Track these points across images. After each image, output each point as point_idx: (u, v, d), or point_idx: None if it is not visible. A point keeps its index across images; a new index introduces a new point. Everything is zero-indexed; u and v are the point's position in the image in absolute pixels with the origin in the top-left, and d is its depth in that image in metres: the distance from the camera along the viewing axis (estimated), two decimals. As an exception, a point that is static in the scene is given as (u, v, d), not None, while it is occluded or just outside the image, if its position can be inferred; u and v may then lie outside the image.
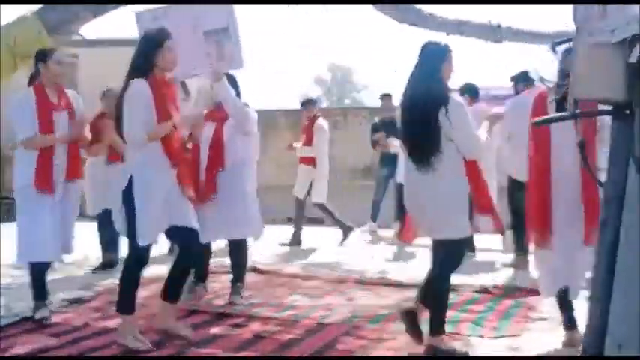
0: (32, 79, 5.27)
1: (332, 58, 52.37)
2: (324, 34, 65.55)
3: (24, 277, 6.71)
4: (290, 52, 56.23)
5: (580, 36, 2.17)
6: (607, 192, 2.26)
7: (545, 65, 4.53)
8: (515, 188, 6.65)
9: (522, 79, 7.35)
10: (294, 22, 59.74)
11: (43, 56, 5.19)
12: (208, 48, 5.28)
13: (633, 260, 2.08)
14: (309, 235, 9.32)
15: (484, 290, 6.07)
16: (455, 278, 6.31)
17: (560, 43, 2.50)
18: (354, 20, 64.76)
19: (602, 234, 2.27)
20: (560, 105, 3.07)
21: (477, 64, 18.54)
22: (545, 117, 2.83)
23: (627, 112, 2.16)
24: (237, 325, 5.04)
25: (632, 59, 2.08)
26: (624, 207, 2.15)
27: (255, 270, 6.89)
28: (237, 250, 5.81)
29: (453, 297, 5.85)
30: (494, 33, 8.15)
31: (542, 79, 3.48)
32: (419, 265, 7.58)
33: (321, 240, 9.35)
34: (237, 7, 5.34)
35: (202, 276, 6.07)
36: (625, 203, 2.15)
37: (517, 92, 7.47)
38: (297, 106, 10.09)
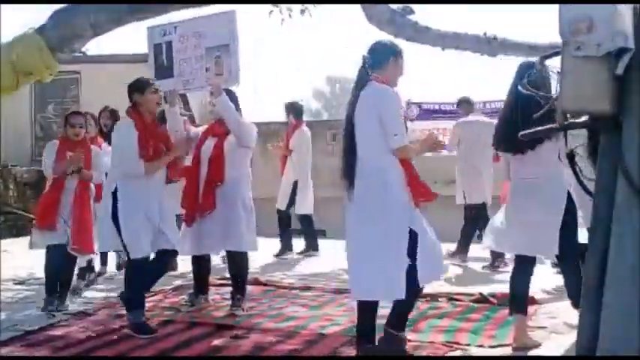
0: None
1: (330, 70, 52.55)
2: (320, 48, 65.68)
3: (25, 291, 6.79)
4: (287, 66, 56.42)
5: (567, 50, 2.24)
6: (596, 202, 2.32)
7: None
8: None
9: None
10: (289, 37, 59.84)
11: None
12: (208, 63, 5.40)
13: (623, 268, 2.14)
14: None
15: (482, 300, 6.10)
16: (452, 288, 6.40)
17: (548, 57, 2.56)
18: (350, 32, 64.88)
19: (591, 242, 2.32)
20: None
21: (474, 78, 18.69)
22: (534, 129, 2.89)
23: (614, 123, 2.23)
24: (237, 337, 5.07)
25: (619, 71, 2.15)
26: (613, 216, 2.21)
27: (255, 282, 6.93)
28: (238, 262, 5.86)
29: (450, 307, 5.93)
30: (489, 45, 8.24)
31: (532, 92, 3.48)
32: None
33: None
34: (239, 24, 5.44)
35: (203, 288, 6.13)
36: (614, 212, 2.20)
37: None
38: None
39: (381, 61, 4.36)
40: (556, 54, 2.37)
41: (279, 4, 9.81)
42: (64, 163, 6.03)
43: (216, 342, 4.94)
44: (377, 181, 4.25)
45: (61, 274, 6.00)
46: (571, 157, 2.48)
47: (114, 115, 7.48)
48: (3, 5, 7.22)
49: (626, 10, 2.18)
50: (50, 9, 6.60)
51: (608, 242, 2.20)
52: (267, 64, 60.33)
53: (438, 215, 8.84)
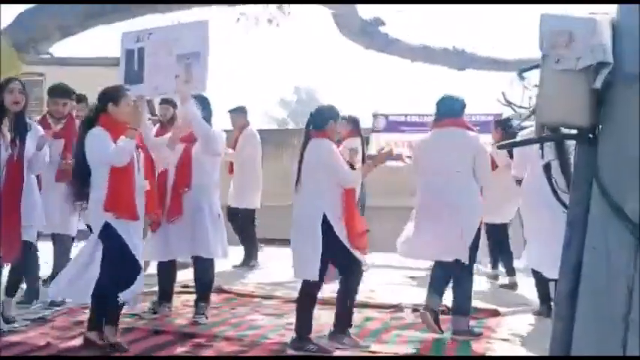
0: None
1: (296, 79, 52.59)
2: (289, 57, 65.69)
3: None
4: (254, 74, 56.33)
5: (547, 63, 2.26)
6: (570, 214, 2.34)
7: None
8: None
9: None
10: (257, 44, 59.84)
11: None
12: (178, 70, 5.36)
13: (597, 280, 2.16)
14: (266, 254, 9.31)
15: (446, 312, 6.11)
16: (416, 299, 6.40)
17: (527, 70, 2.58)
18: (319, 42, 65.02)
19: (565, 255, 2.34)
20: None
21: (444, 90, 18.88)
22: (511, 140, 2.92)
23: (591, 136, 2.25)
24: (200, 346, 5.02)
25: (597, 85, 2.17)
26: (588, 229, 2.23)
27: (218, 290, 6.86)
28: (203, 269, 5.80)
29: (414, 318, 5.93)
30: (458, 59, 8.32)
31: (508, 103, 3.54)
32: (373, 285, 7.62)
33: (277, 259, 9.34)
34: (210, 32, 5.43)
35: (167, 296, 6.05)
36: (589, 225, 2.23)
37: None
38: (264, 127, 10.11)
39: None
40: (535, 67, 2.39)
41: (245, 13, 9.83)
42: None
43: (179, 350, 4.88)
44: None
45: None
46: (547, 168, 2.50)
47: None
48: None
49: (605, 24, 2.20)
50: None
51: (582, 254, 2.22)
52: (234, 71, 60.12)
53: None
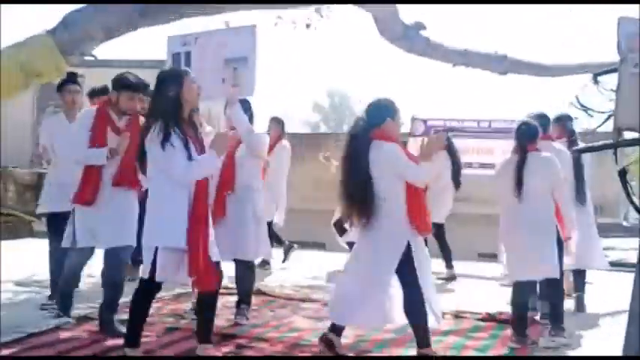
0: None
1: (330, 83, 52.60)
2: (322, 60, 65.71)
3: (25, 293, 6.72)
4: (289, 77, 56.36)
5: (625, 66, 2.22)
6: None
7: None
8: None
9: None
10: (291, 48, 60.00)
11: None
12: (225, 74, 5.39)
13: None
14: (306, 257, 9.33)
15: (488, 319, 6.06)
16: (459, 305, 6.33)
17: (602, 74, 2.54)
18: (353, 46, 64.90)
19: (639, 270, 2.29)
20: None
21: (483, 96, 18.75)
22: (587, 145, 2.88)
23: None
24: (241, 346, 5.05)
25: (678, 90, 2.13)
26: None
27: (258, 292, 6.87)
28: (245, 271, 5.82)
29: (456, 323, 5.89)
30: (500, 64, 8.27)
31: (585, 109, 3.53)
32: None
33: (318, 263, 9.37)
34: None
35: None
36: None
37: None
38: (297, 131, 10.12)
39: None
40: (611, 71, 2.35)
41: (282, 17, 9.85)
42: None
43: (221, 351, 4.89)
44: None
45: None
46: (622, 174, 2.46)
47: None
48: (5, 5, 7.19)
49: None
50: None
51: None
52: (268, 74, 60.20)
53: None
